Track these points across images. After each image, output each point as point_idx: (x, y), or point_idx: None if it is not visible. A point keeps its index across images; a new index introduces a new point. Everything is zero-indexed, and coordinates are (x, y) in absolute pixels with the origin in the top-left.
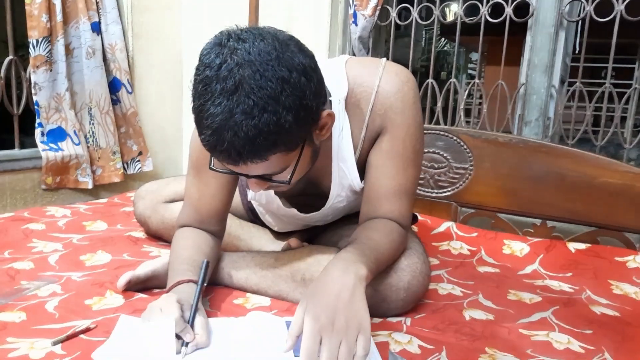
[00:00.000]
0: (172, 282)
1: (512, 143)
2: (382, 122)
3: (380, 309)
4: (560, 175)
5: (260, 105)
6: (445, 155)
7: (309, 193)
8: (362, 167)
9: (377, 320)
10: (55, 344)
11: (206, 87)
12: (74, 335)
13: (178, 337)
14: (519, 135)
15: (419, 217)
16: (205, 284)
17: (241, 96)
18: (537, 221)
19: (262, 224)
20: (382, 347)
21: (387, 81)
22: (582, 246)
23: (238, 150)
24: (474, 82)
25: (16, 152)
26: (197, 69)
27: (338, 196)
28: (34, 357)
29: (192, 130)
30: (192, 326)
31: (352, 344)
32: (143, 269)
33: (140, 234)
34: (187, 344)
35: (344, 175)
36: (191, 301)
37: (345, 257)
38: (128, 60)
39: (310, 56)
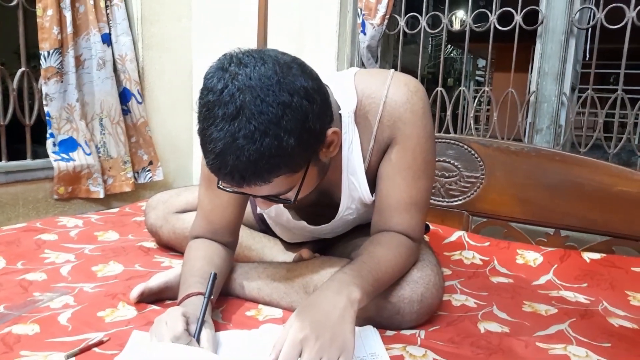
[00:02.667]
0: (183, 295)
1: (525, 152)
2: (392, 133)
3: (394, 321)
4: (575, 184)
5: (262, 129)
6: (456, 164)
7: (318, 205)
8: (373, 179)
9: (390, 333)
10: (68, 357)
11: (209, 111)
12: (87, 348)
13: None
14: (530, 143)
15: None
16: (212, 297)
17: (242, 121)
18: (551, 230)
19: (273, 234)
20: None
21: (395, 92)
22: (597, 256)
23: (241, 173)
24: (484, 90)
25: (28, 162)
26: (201, 92)
27: (348, 209)
28: None
29: None
30: (198, 340)
31: None
32: (155, 281)
33: (151, 244)
34: None
35: (354, 187)
36: (198, 314)
37: (340, 279)
38: (138, 71)
39: (313, 78)
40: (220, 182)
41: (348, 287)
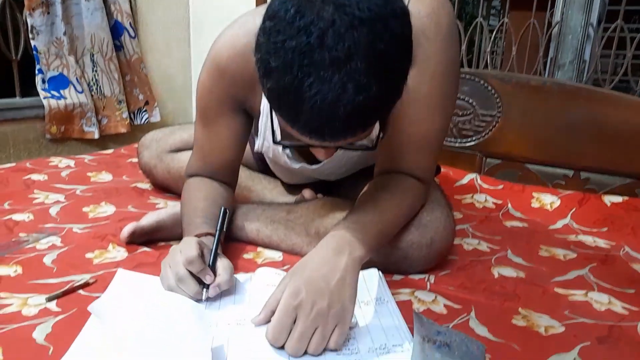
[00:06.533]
0: (190, 236)
1: (546, 87)
2: None
3: (402, 266)
4: (600, 123)
5: (379, 74)
6: (470, 101)
7: None
8: None
9: (398, 277)
10: (49, 300)
11: (305, 56)
12: (71, 290)
13: (198, 280)
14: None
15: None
16: (224, 230)
17: (357, 65)
18: (570, 172)
19: (273, 175)
20: (405, 306)
21: (418, 1)
22: (618, 199)
23: (346, 129)
24: (503, 22)
25: (17, 100)
26: (282, 32)
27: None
28: (26, 314)
29: (200, 75)
30: (213, 269)
31: (328, 333)
32: (148, 220)
33: (146, 185)
34: (207, 286)
35: None
36: (211, 247)
37: (342, 235)
38: (130, 3)
39: None
40: (276, 137)
41: (350, 244)
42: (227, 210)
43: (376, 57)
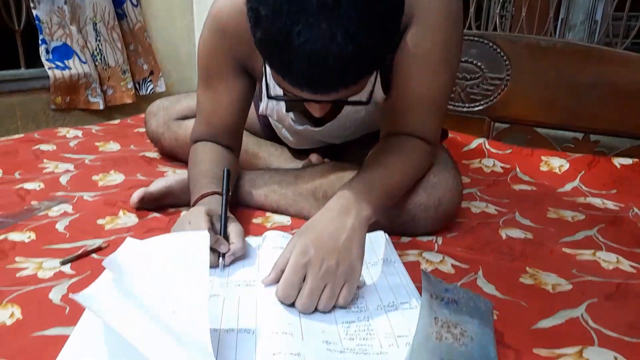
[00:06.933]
0: (197, 196)
1: (557, 48)
2: (409, 9)
3: (409, 228)
4: (610, 84)
5: (370, 22)
6: (478, 64)
7: None
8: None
9: (406, 239)
10: (64, 263)
11: (293, 2)
12: (85, 254)
13: (213, 250)
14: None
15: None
16: (230, 193)
17: (345, 12)
18: (579, 135)
19: (280, 141)
20: (412, 267)
21: None
22: (628, 161)
23: (337, 80)
24: None
25: (22, 71)
26: None
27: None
28: (42, 276)
29: (201, 34)
30: (226, 236)
31: (337, 290)
32: (156, 186)
33: (154, 154)
34: (223, 255)
35: None
36: (219, 212)
37: (348, 195)
38: None
39: None
40: (270, 92)
41: (357, 204)
42: (230, 171)
43: (366, 3)
